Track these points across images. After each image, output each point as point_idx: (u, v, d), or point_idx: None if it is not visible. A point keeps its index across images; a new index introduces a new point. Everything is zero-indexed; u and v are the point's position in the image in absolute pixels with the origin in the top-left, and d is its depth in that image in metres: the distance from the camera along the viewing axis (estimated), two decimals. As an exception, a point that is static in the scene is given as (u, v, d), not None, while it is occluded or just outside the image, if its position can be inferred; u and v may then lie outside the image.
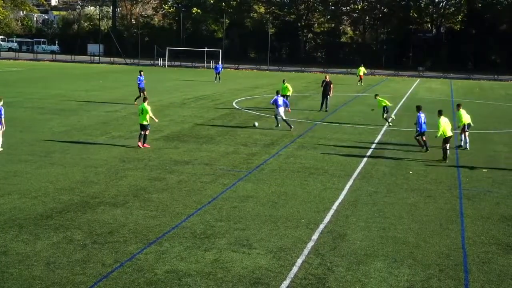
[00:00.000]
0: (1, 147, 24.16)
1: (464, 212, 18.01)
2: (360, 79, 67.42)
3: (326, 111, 40.76)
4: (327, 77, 42.66)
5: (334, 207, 17.98)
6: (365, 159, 25.25)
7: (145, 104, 26.12)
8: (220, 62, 69.17)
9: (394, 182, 21.36)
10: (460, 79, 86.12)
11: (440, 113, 25.68)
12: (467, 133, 28.39)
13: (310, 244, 14.64)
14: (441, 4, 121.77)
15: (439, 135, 25.11)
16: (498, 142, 30.95)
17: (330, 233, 15.55)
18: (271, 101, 33.24)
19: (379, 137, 31.00)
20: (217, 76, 64.07)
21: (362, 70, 67.94)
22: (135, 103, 39.38)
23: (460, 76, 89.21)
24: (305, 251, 14.15)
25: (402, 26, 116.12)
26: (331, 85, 41.70)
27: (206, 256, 13.60)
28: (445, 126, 24.98)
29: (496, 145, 30.03)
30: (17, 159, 22.63)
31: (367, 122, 36.45)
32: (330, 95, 41.68)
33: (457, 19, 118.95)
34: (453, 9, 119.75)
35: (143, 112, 25.69)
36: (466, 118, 28.30)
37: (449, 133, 24.99)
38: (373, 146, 28.38)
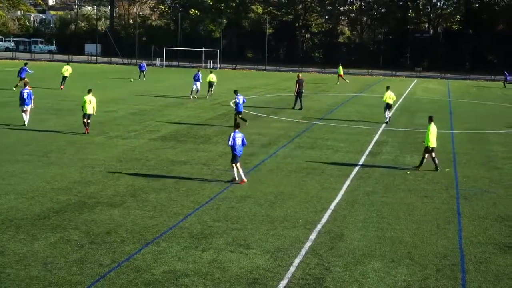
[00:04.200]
0: (27, 123, 30.14)
1: (461, 212, 18.03)
2: (340, 77, 69.87)
3: (300, 109, 41.35)
4: (300, 75, 43.58)
5: (332, 207, 17.99)
6: (362, 159, 25.26)
7: (90, 95, 28.76)
8: (143, 62, 70.82)
9: (392, 182, 21.37)
10: (457, 79, 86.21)
11: (430, 119, 23.95)
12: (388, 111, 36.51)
13: (307, 244, 14.65)
14: (439, 4, 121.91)
15: (428, 144, 23.34)
16: (495, 142, 30.99)
17: (327, 233, 15.56)
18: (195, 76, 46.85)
19: (376, 137, 31.03)
20: (142, 74, 65.16)
21: (341, 70, 70.00)
22: (14, 89, 45.82)
23: (457, 76, 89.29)
24: (303, 251, 14.16)
25: (400, 26, 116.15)
26: (299, 84, 41.88)
27: (204, 256, 13.60)
28: (432, 134, 23.33)
29: (493, 145, 30.07)
30: (14, 159, 22.61)
31: (364, 122, 36.47)
32: (299, 91, 41.83)
33: (455, 19, 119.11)
34: (450, 9, 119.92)
35: (90, 102, 28.52)
36: (387, 99, 36.02)
37: (433, 143, 23.32)
38: (371, 146, 28.40)
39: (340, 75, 70.11)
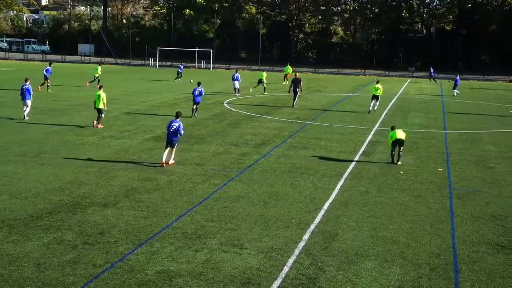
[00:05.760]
0: (27, 116, 32.39)
1: (454, 211, 18.07)
2: (286, 77, 67.84)
3: (292, 107, 42.90)
4: (297, 74, 45.32)
5: (325, 207, 18.01)
6: (356, 159, 25.29)
7: (101, 91, 30.87)
8: (181, 64, 71.68)
9: (385, 182, 21.41)
10: (450, 79, 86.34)
11: (391, 128, 24.85)
12: (375, 102, 41.15)
13: (301, 244, 14.66)
14: (432, 5, 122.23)
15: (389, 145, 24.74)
16: (488, 142, 31.08)
17: (321, 233, 15.57)
18: (234, 77, 50.65)
19: (369, 137, 31.08)
20: (180, 75, 66.01)
21: (289, 69, 69.30)
22: (39, 88, 47.13)
23: (450, 77, 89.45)
24: (296, 251, 14.16)
25: (393, 27, 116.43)
26: (294, 83, 43.58)
27: (197, 257, 13.59)
28: (391, 136, 24.29)
29: (486, 144, 30.15)
30: (7, 160, 22.54)
31: (358, 122, 36.54)
32: (294, 89, 43.36)
33: (448, 19, 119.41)
34: (443, 9, 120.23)
35: (99, 98, 30.46)
36: (375, 90, 40.81)
37: (400, 136, 24.12)
38: (364, 146, 28.45)
39: (287, 75, 67.80)
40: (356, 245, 14.80)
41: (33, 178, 20.05)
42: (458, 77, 62.43)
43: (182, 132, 22.86)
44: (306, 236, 15.27)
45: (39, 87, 47.17)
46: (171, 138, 22.57)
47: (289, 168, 23.17)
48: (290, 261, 13.56)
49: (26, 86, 32.83)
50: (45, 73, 48.13)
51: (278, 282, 12.43)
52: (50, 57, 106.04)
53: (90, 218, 16.09)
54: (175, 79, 64.64)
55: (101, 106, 30.58)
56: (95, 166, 22.16)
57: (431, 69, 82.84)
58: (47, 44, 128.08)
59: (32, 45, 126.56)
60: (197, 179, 20.78)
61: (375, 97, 41.03)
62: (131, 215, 16.49)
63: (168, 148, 22.69)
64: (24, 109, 32.69)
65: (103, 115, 31.06)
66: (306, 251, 14.24)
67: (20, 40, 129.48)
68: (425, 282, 12.74)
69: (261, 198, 18.67)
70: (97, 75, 54.12)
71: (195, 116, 35.66)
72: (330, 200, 18.75)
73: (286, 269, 13.10)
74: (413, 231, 16.03)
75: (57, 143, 26.23)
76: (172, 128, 22.54)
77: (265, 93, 52.88)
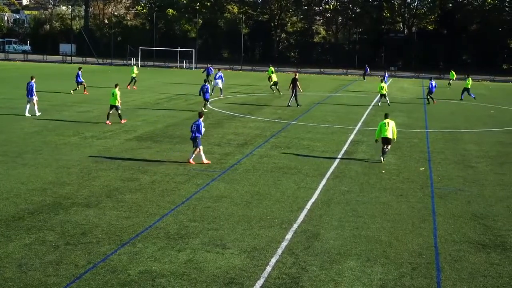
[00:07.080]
0: (39, 111, 34.23)
1: (436, 210, 18.18)
2: (270, 79, 66.65)
3: (288, 106, 43.52)
4: (296, 74, 45.96)
5: (308, 206, 18.05)
6: (338, 159, 25.36)
7: (116, 89, 32.26)
8: (210, 65, 69.98)
9: (367, 182, 21.49)
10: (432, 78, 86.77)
11: (385, 116, 25.22)
12: (383, 98, 46.02)
13: (283, 244, 14.68)
14: (413, 4, 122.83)
15: (376, 137, 25.09)
16: (469, 141, 31.28)
17: (303, 233, 15.60)
18: (216, 76, 49.60)
19: (352, 136, 31.18)
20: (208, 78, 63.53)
21: (271, 70, 67.99)
22: (72, 92, 47.25)
23: (431, 76, 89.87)
24: (279, 251, 14.18)
25: (375, 26, 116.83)
26: (297, 82, 44.21)
27: (180, 257, 13.58)
28: (381, 127, 24.60)
29: (467, 144, 30.35)
30: (-12, 160, 22.38)
31: (340, 122, 36.64)
32: (298, 91, 44.19)
33: (429, 19, 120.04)
34: (425, 9, 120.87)
35: (114, 95, 32.03)
36: (380, 89, 45.71)
37: (387, 134, 24.40)
38: (346, 145, 28.54)
39: (270, 77, 67.21)
40: (338, 244, 14.84)
41: (15, 178, 19.92)
42: (386, 74, 65.50)
43: (202, 130, 23.25)
44: (288, 236, 15.30)
45: (85, 92, 47.36)
46: (193, 137, 23.16)
47: (272, 168, 23.19)
48: (273, 260, 13.57)
49: (32, 84, 34.20)
50: (77, 79, 47.86)
51: (261, 282, 12.44)
52: (31, 57, 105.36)
53: (72, 218, 16.01)
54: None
55: (116, 103, 32.13)
56: (77, 166, 22.06)
57: (367, 67, 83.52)
58: (28, 44, 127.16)
59: (13, 45, 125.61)
60: (180, 179, 20.75)
61: (383, 95, 46.00)
62: (114, 215, 16.43)
63: (194, 148, 23.37)
64: (29, 107, 34.19)
65: (119, 110, 32.54)
66: (289, 250, 14.27)
67: (0, 40, 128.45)
68: (407, 281, 12.80)
69: (243, 198, 18.68)
70: (134, 75, 54.15)
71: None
72: (312, 200, 18.79)
73: (268, 268, 13.11)
74: (395, 230, 16.11)
75: (39, 143, 26.08)
76: (194, 128, 23.11)
77: (280, 93, 52.07)
